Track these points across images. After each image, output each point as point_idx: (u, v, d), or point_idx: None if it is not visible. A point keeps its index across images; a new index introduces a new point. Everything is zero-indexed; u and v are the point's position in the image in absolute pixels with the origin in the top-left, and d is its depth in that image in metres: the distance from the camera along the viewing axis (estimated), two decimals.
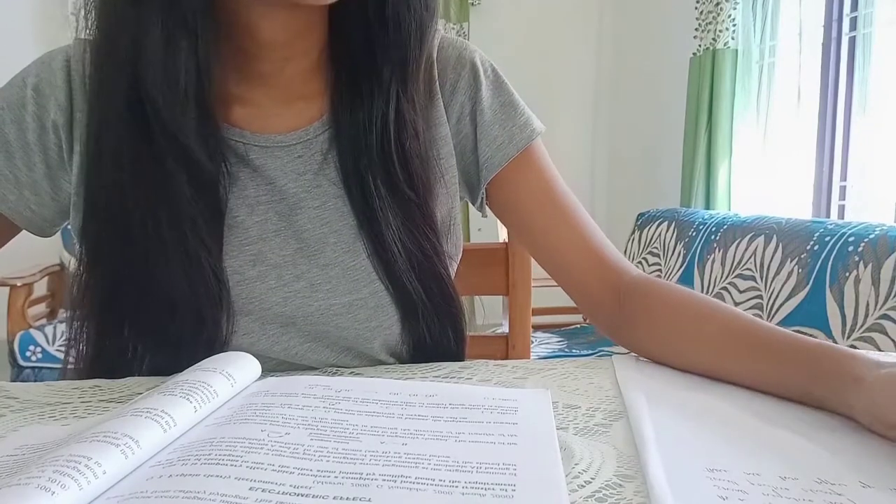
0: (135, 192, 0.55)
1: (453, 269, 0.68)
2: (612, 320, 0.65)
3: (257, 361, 0.50)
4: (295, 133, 0.61)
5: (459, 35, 3.33)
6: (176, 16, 0.52)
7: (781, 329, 0.52)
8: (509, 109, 0.68)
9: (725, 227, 2.11)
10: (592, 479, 0.35)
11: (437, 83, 0.66)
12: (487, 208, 0.70)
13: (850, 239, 1.58)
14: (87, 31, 0.56)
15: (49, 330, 2.29)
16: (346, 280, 0.60)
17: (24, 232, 0.64)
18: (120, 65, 0.53)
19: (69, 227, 0.63)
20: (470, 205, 0.72)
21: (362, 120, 0.59)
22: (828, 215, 2.23)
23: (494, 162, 0.67)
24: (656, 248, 2.50)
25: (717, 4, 2.51)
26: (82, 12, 0.55)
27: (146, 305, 0.56)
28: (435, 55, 0.66)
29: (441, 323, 0.64)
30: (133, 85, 0.53)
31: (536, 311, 0.94)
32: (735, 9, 2.48)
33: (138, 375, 0.56)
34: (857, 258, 1.54)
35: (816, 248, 1.68)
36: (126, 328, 0.58)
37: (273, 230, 0.60)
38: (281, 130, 0.61)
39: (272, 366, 0.60)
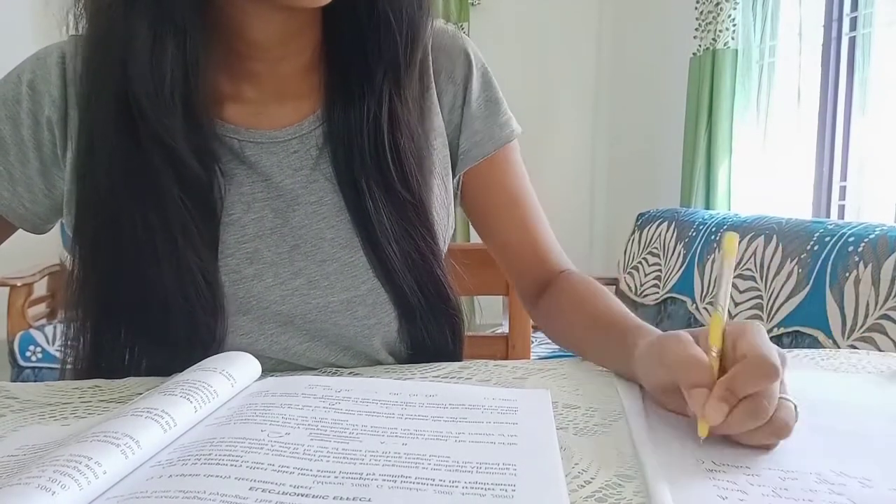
0: (125, 193, 0.54)
1: (445, 246, 0.68)
2: (533, 307, 0.73)
3: (257, 361, 0.50)
4: (290, 128, 0.61)
5: None
6: (164, 17, 0.52)
7: (624, 315, 0.58)
8: (493, 106, 0.69)
9: (725, 227, 2.11)
10: (592, 478, 0.35)
11: (432, 72, 0.66)
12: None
13: (850, 239, 1.58)
14: (80, 29, 0.56)
15: (49, 330, 2.29)
16: (343, 276, 0.60)
17: (24, 232, 0.64)
18: (109, 65, 0.53)
19: (63, 224, 0.63)
20: None
21: (354, 120, 0.59)
22: (828, 215, 2.23)
23: (471, 156, 0.68)
24: (656, 248, 2.50)
25: (717, 4, 2.50)
26: (72, 11, 0.55)
27: (141, 307, 0.56)
28: (429, 43, 0.65)
29: (438, 322, 0.64)
30: (121, 85, 0.53)
31: None
32: (735, 9, 2.48)
33: (137, 375, 0.56)
34: (857, 258, 1.54)
35: (816, 248, 1.67)
36: (122, 329, 0.58)
37: (269, 227, 0.59)
38: (275, 126, 0.61)
39: (271, 365, 0.60)
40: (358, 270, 0.60)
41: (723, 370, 0.40)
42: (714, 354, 0.41)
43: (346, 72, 0.60)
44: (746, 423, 0.37)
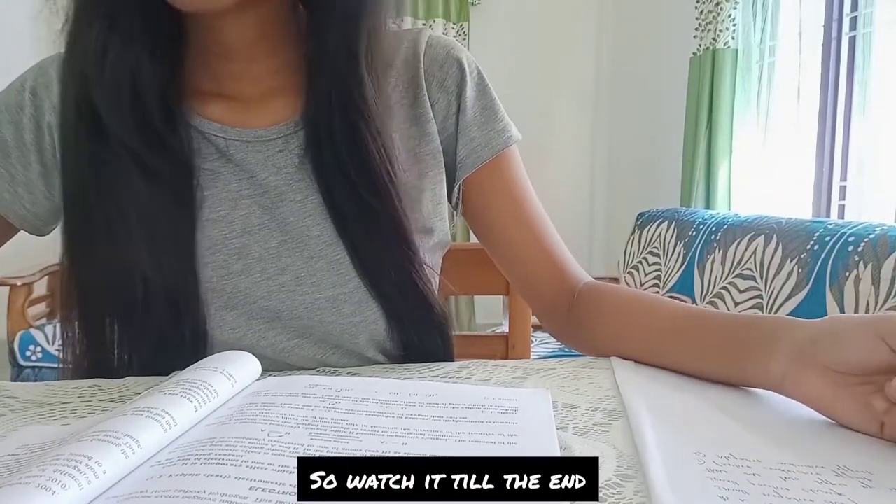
0: (96, 191, 0.57)
1: (440, 256, 0.68)
2: (561, 324, 0.70)
3: (257, 361, 0.51)
4: (274, 128, 0.61)
5: (459, 35, 3.33)
6: (113, 26, 0.54)
7: (721, 312, 0.55)
8: (489, 113, 0.68)
9: (725, 226, 2.11)
10: None
11: (424, 80, 0.66)
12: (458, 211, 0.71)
13: (850, 239, 1.58)
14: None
15: (49, 330, 2.29)
16: (330, 273, 0.60)
17: (24, 232, 0.64)
18: (72, 73, 0.56)
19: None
20: None
21: (330, 124, 0.59)
22: (828, 215, 2.23)
23: (468, 163, 0.67)
24: (656, 247, 2.50)
25: (717, 4, 2.51)
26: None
27: (123, 302, 0.58)
28: (422, 53, 0.66)
29: (426, 327, 0.64)
30: (84, 92, 0.55)
31: None
32: (735, 9, 2.48)
33: (131, 375, 0.57)
34: (857, 258, 1.54)
35: (816, 247, 1.68)
36: (106, 324, 0.59)
37: (257, 223, 0.60)
38: (260, 125, 0.61)
39: (262, 364, 0.60)
40: (343, 268, 0.60)
41: None
42: None
43: (321, 73, 0.59)
44: None
